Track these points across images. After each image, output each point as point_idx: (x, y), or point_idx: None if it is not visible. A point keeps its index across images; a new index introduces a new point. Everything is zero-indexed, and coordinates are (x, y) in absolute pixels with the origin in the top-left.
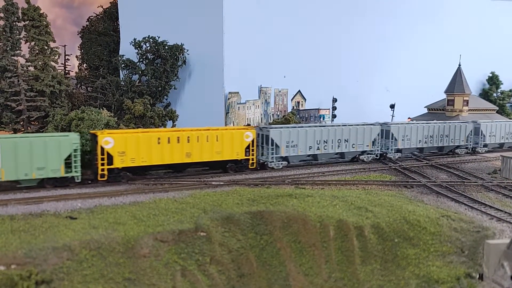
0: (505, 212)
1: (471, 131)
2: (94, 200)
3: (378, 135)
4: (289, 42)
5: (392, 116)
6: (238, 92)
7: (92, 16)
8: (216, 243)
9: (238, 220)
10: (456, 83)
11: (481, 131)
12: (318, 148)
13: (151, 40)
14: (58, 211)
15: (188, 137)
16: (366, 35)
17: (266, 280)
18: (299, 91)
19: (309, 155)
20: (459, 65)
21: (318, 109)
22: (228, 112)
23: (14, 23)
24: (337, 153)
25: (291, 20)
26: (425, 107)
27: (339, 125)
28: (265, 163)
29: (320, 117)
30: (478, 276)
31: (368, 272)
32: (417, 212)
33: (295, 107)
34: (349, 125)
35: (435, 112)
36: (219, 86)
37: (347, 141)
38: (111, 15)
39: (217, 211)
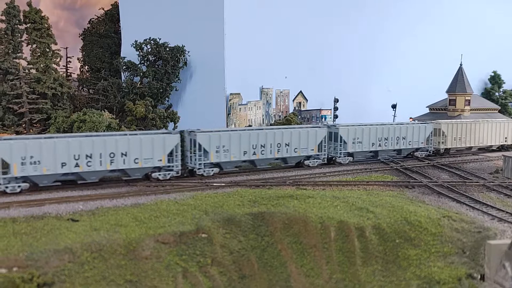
0: (507, 212)
1: (324, 138)
2: (95, 202)
3: (163, 146)
4: (291, 42)
5: (394, 116)
6: (239, 93)
7: (93, 18)
8: (217, 244)
9: (239, 222)
10: (458, 83)
11: (340, 137)
12: (85, 164)
13: (152, 42)
14: (60, 213)
15: None
16: (367, 35)
17: (267, 281)
18: (301, 91)
19: (64, 174)
20: (461, 64)
21: (320, 110)
22: (230, 113)
23: (16, 26)
24: (116, 170)
25: (292, 21)
26: (427, 107)
27: (125, 134)
28: None
29: (322, 118)
30: (479, 277)
31: (369, 273)
32: (418, 212)
33: (296, 108)
34: (131, 135)
35: (437, 112)
36: (220, 87)
37: (125, 155)
38: (112, 17)
39: (218, 212)
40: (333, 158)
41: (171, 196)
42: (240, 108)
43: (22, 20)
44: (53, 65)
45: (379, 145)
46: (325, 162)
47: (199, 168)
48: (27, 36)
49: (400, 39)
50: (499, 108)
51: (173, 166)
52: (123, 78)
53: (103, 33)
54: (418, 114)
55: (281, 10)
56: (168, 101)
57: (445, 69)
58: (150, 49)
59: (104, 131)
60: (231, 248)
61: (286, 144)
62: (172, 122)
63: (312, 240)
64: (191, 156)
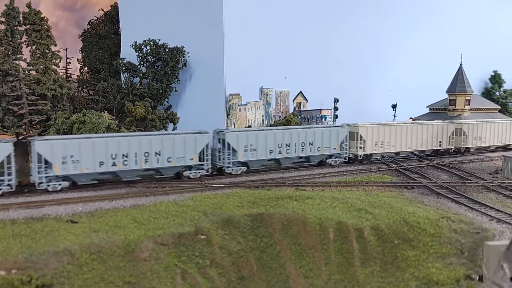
0: (505, 213)
1: (206, 145)
2: (95, 203)
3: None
4: (290, 42)
5: (394, 116)
6: (239, 94)
7: (93, 19)
8: (216, 245)
9: (238, 223)
10: (458, 83)
11: (228, 144)
12: None
13: (151, 43)
14: (59, 215)
15: None
16: (367, 35)
17: (266, 282)
18: (301, 92)
19: None
20: (461, 64)
21: (320, 110)
22: (229, 114)
23: (15, 27)
24: None
25: (291, 21)
26: (427, 106)
27: None
28: None
29: (322, 118)
30: (477, 278)
31: (368, 274)
32: (417, 213)
33: (296, 108)
34: None
35: (437, 112)
36: (220, 88)
37: None
38: (111, 18)
39: (217, 213)
40: (222, 168)
41: (170, 197)
42: (240, 109)
43: (21, 22)
44: (53, 66)
45: (280, 153)
46: (210, 173)
47: (40, 182)
48: (27, 37)
49: (400, 39)
50: (499, 108)
51: (3, 180)
52: (122, 79)
53: (102, 34)
54: (419, 114)
55: (281, 10)
56: (167, 102)
57: (446, 69)
58: (149, 50)
59: (103, 132)
60: (230, 249)
61: (156, 153)
62: (172, 123)
63: (311, 241)
64: (33, 168)
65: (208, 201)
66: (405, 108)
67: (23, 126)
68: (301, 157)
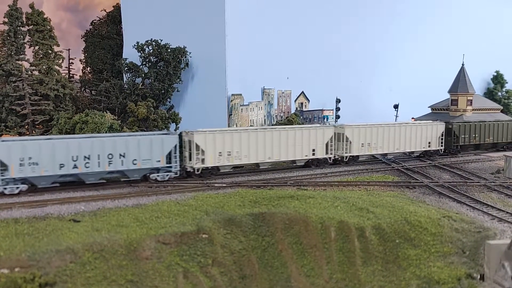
0: (507, 212)
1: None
2: (97, 202)
3: None
4: (292, 43)
5: (396, 117)
6: (241, 94)
7: (95, 20)
8: (218, 245)
9: (240, 222)
10: (460, 83)
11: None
12: None
13: (153, 43)
14: (61, 214)
15: None
16: (369, 35)
17: (268, 281)
18: (303, 92)
19: None
20: (463, 64)
21: (322, 110)
22: (231, 114)
23: (18, 28)
24: None
25: (293, 22)
26: (429, 107)
27: None
28: None
29: (323, 118)
30: (479, 277)
31: (369, 273)
32: (419, 213)
33: (298, 108)
34: None
35: (439, 112)
36: (222, 88)
37: None
38: (114, 18)
39: (219, 213)
40: None
41: (172, 196)
42: (241, 109)
43: (24, 22)
44: (56, 66)
45: (76, 167)
46: None
47: None
48: (30, 38)
49: (402, 39)
50: (502, 108)
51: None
52: (125, 79)
53: (105, 35)
54: (421, 114)
55: (283, 11)
56: (169, 102)
57: (448, 69)
58: (151, 51)
59: (106, 132)
60: (231, 249)
61: None
62: (174, 123)
63: (312, 240)
64: None
65: (210, 200)
66: (407, 108)
67: (26, 126)
68: (110, 172)
